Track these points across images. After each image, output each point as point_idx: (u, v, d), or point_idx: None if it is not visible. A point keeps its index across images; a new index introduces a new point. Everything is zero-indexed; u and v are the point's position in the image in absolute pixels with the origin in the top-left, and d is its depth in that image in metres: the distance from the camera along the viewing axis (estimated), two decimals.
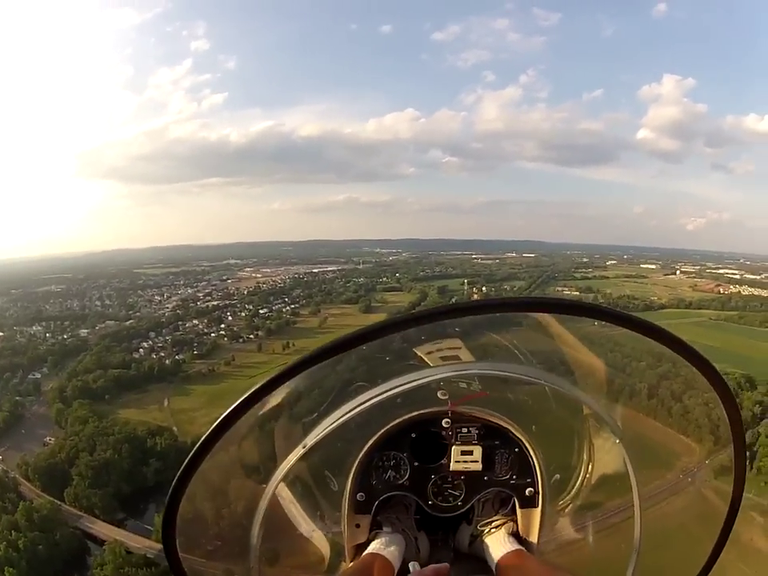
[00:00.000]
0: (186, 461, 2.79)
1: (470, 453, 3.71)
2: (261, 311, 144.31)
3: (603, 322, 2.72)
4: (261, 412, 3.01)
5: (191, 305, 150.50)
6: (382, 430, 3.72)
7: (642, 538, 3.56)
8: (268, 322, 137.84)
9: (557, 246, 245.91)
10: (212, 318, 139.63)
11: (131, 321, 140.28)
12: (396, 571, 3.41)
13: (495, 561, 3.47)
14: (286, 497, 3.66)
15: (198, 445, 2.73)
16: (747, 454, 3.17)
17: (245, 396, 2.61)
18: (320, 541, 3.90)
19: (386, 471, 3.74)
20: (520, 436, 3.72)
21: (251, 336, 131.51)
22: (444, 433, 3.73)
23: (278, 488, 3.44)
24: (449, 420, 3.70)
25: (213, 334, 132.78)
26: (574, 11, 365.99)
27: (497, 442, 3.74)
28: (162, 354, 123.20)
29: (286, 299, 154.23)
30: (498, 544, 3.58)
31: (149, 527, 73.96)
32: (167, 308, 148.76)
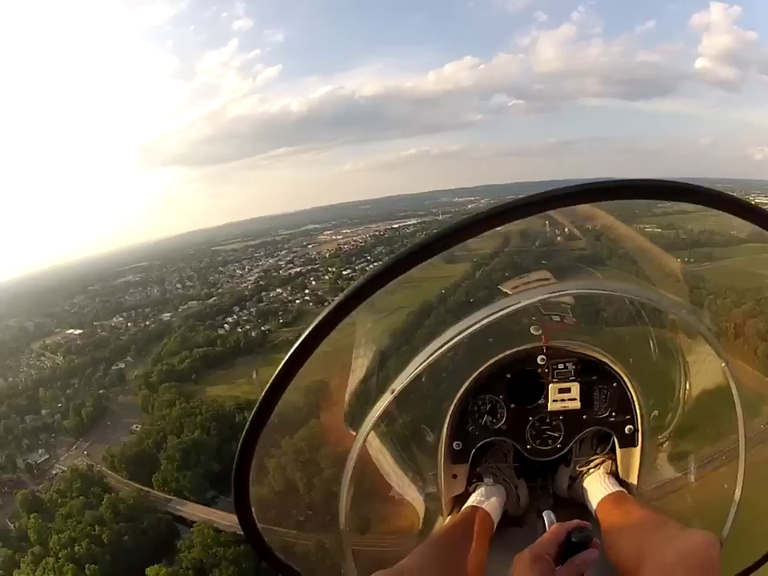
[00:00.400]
0: (250, 420, 2.45)
1: (568, 390, 3.55)
2: (344, 273, 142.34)
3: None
4: (337, 352, 2.83)
5: (273, 274, 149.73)
6: (476, 373, 3.55)
7: (746, 475, 3.39)
8: (352, 282, 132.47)
9: None
10: (295, 285, 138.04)
11: (214, 298, 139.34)
12: (496, 524, 3.35)
13: (595, 505, 3.39)
14: (377, 448, 3.52)
15: (262, 397, 2.37)
16: None
17: (307, 332, 2.21)
18: (414, 496, 3.73)
19: (482, 416, 3.58)
20: (618, 370, 3.54)
21: (335, 298, 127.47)
22: (540, 371, 3.56)
23: (368, 438, 3.28)
24: (544, 357, 3.54)
25: (297, 301, 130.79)
26: None
27: (594, 378, 3.58)
28: (248, 327, 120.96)
29: (369, 257, 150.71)
30: (597, 486, 3.51)
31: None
32: (249, 280, 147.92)
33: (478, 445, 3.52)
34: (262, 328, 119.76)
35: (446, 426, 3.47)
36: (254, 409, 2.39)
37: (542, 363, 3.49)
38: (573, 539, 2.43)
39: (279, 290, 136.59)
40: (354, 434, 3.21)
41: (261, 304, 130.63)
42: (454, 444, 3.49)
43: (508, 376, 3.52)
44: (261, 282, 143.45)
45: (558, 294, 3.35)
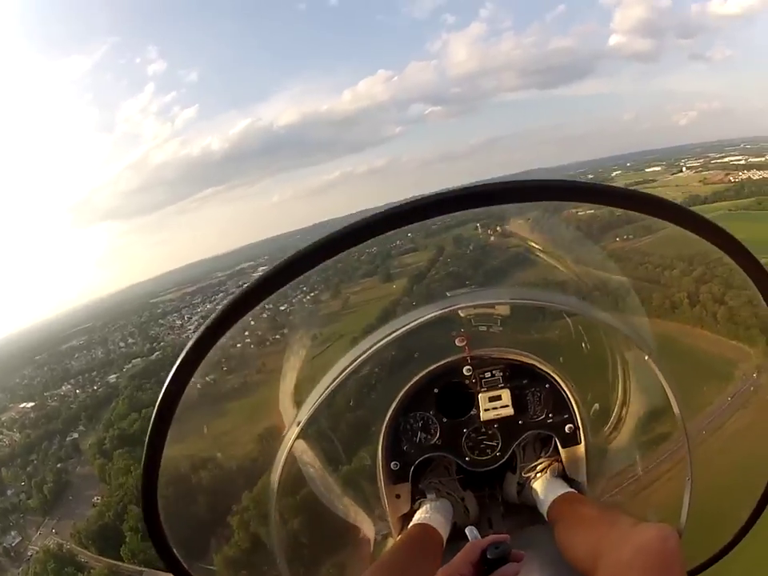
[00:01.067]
0: (147, 442, 2.52)
1: (499, 398, 3.64)
2: (281, 308, 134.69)
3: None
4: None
5: None
6: (403, 391, 3.66)
7: (694, 459, 3.36)
8: (290, 317, 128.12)
9: (559, 170, 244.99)
10: (235, 329, 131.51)
11: (157, 353, 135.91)
12: (446, 538, 3.38)
13: (546, 508, 3.44)
14: (321, 481, 3.66)
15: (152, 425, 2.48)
16: None
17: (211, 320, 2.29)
18: (364, 522, 3.86)
19: (416, 434, 3.68)
20: (547, 370, 3.65)
21: (277, 336, 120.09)
22: (467, 381, 3.67)
23: (310, 474, 3.47)
24: (470, 367, 3.64)
25: (239, 345, 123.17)
26: None
27: (525, 381, 3.67)
28: (193, 381, 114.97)
29: (304, 288, 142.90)
30: (546, 489, 3.55)
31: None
32: (189, 329, 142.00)
33: (416, 462, 3.65)
34: (207, 378, 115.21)
35: (380, 447, 3.62)
36: (148, 435, 2.50)
37: (468, 374, 3.63)
38: (489, 556, 2.48)
39: None
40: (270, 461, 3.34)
41: None
42: (391, 464, 3.62)
43: (436, 391, 3.66)
44: None
45: (457, 307, 3.43)
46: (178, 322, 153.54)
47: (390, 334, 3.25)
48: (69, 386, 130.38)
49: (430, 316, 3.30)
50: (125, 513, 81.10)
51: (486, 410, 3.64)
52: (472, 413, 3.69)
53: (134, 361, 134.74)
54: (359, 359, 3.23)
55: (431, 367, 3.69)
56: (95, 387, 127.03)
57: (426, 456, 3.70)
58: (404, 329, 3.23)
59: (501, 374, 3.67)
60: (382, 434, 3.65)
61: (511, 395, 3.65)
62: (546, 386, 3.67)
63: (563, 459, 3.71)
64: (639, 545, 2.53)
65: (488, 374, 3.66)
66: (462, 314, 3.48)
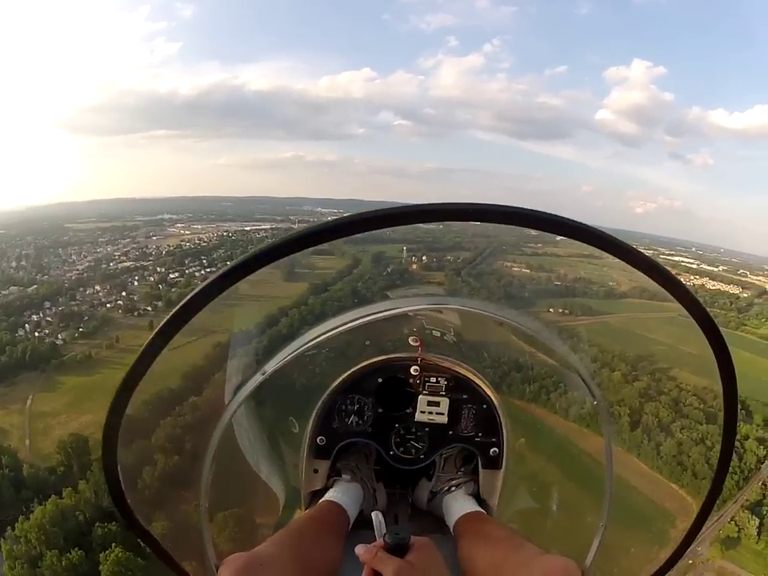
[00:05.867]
0: (117, 389, 2.49)
1: (437, 404, 3.78)
2: (171, 276, 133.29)
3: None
4: (214, 330, 2.01)
5: (102, 266, 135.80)
6: (348, 372, 3.83)
7: (610, 512, 3.50)
8: (173, 290, 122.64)
9: None
10: (116, 284, 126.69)
11: (35, 286, 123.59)
12: (352, 521, 3.52)
13: (453, 520, 3.56)
14: (245, 431, 3.59)
15: (131, 367, 2.44)
16: (733, 449, 2.89)
17: (180, 306, 2.25)
18: (275, 484, 3.95)
19: (349, 416, 3.81)
20: (489, 393, 3.80)
21: (148, 308, 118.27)
22: (412, 381, 3.80)
23: (234, 417, 3.26)
24: (418, 368, 3.77)
25: (109, 305, 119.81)
26: None
27: (465, 396, 3.80)
28: (46, 332, 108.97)
29: (204, 261, 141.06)
30: (457, 504, 3.70)
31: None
32: (77, 270, 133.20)
33: (342, 443, 3.74)
34: (59, 336, 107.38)
35: (312, 420, 3.69)
36: (120, 385, 2.41)
37: (414, 374, 3.69)
38: (388, 541, 2.42)
39: (97, 288, 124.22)
40: (220, 411, 3.23)
41: (72, 302, 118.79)
42: (318, 439, 3.70)
43: (380, 380, 3.72)
44: (85, 275, 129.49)
45: (439, 306, 3.53)
46: (73, 257, 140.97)
47: (363, 317, 3.17)
48: None
49: (413, 308, 3.43)
50: None
51: (422, 411, 3.74)
52: (407, 411, 3.76)
53: (11, 288, 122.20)
54: (329, 333, 3.16)
55: (382, 357, 3.77)
56: None
57: (353, 440, 3.80)
58: (378, 314, 3.18)
59: (445, 382, 3.75)
60: (317, 409, 3.72)
61: (449, 405, 3.74)
62: (484, 406, 3.74)
63: (480, 479, 3.80)
64: (542, 572, 2.71)
65: (433, 379, 3.74)
66: (415, 314, 3.65)
